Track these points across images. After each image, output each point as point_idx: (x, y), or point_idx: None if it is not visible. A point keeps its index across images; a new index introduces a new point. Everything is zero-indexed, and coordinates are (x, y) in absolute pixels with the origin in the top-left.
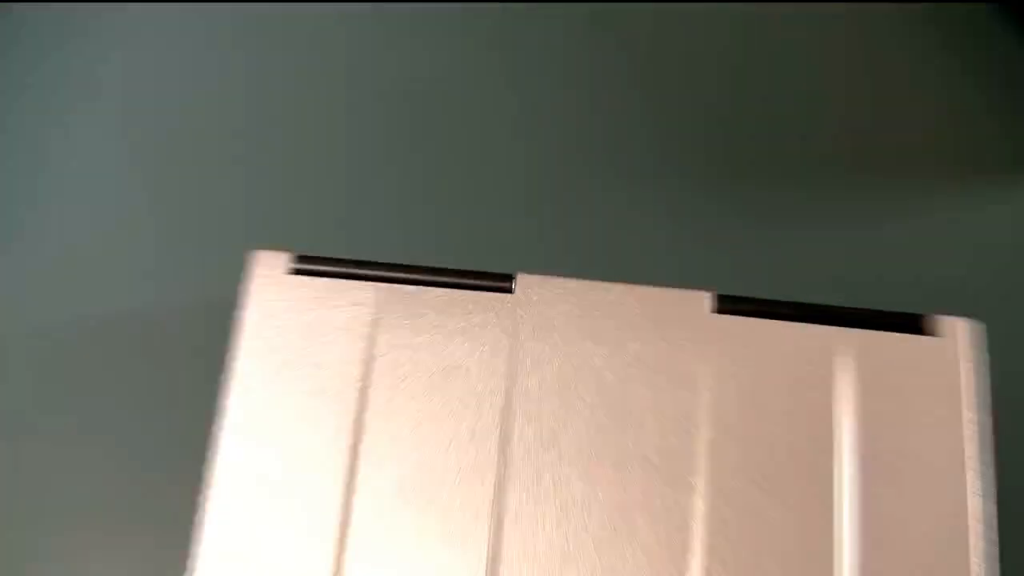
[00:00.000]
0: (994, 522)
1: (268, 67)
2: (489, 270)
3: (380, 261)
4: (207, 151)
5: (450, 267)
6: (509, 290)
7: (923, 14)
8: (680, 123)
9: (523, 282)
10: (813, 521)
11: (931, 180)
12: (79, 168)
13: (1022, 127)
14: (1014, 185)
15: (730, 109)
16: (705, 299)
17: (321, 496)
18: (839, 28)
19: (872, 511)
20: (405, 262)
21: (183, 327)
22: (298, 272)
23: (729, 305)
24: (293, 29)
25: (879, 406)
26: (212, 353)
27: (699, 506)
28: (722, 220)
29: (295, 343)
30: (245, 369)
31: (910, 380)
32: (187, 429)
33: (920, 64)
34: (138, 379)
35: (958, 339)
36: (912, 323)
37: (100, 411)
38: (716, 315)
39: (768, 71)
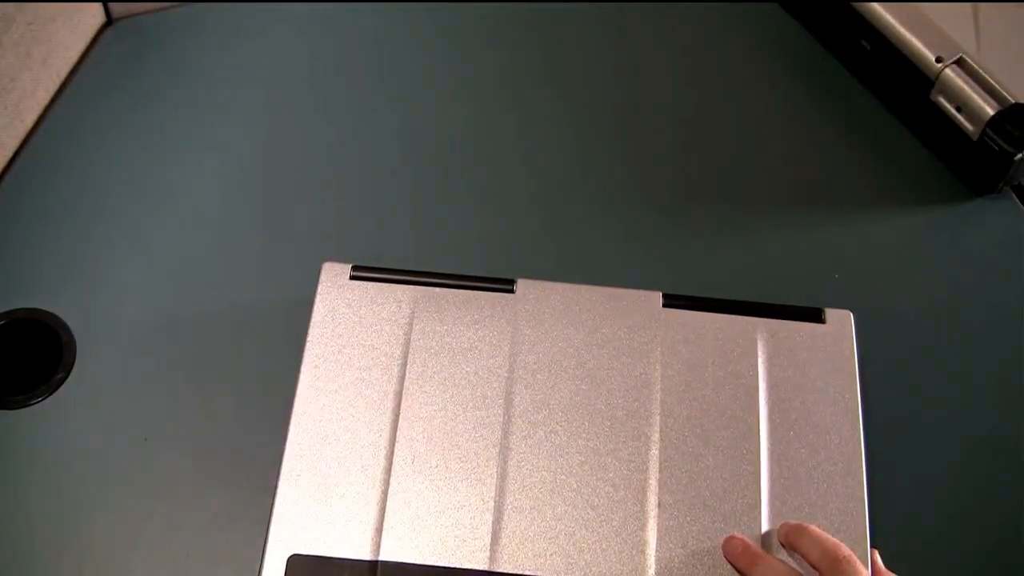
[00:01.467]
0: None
1: (332, 126)
2: (497, 276)
3: (415, 270)
4: (288, 192)
5: (467, 274)
6: (511, 291)
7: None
8: (640, 170)
9: (522, 285)
10: (738, 462)
11: (817, 207)
12: (196, 200)
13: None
14: (872, 212)
15: (679, 160)
16: (657, 297)
17: (370, 444)
18: (757, 104)
19: (781, 453)
20: (434, 271)
21: (271, 317)
22: (355, 278)
23: (674, 301)
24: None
25: (786, 375)
26: (292, 337)
27: (653, 452)
28: (669, 240)
29: (353, 330)
30: (316, 350)
31: (808, 355)
32: (273, 391)
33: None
34: (236, 355)
35: (841, 326)
36: (809, 314)
37: (210, 375)
38: (665, 309)
39: (707, 133)
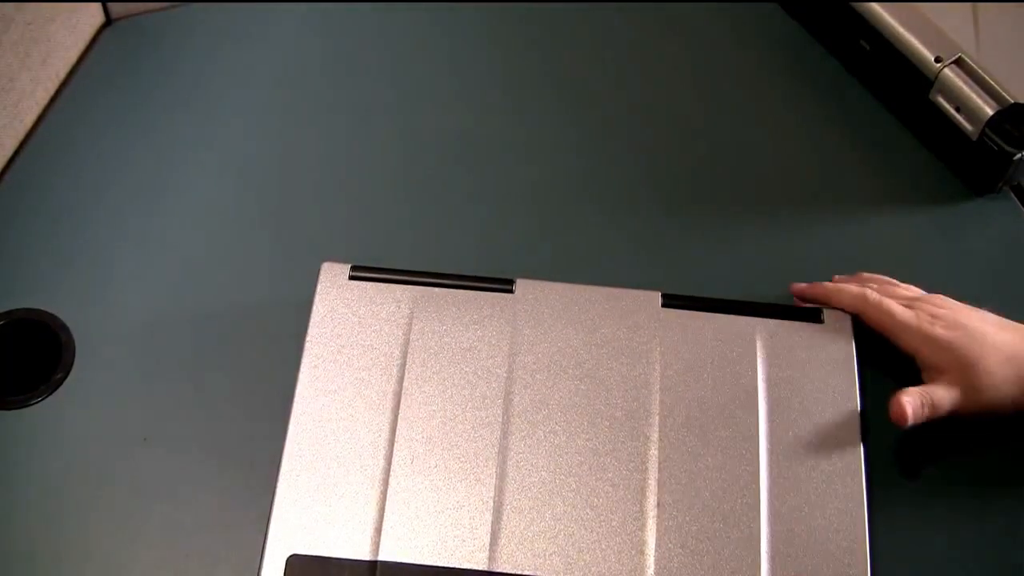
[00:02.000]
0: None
1: (332, 126)
2: (496, 276)
3: (415, 270)
4: (287, 192)
5: (467, 274)
6: (511, 291)
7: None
8: (640, 170)
9: (521, 285)
10: (737, 462)
11: (817, 207)
12: (196, 200)
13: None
14: (871, 212)
15: (679, 160)
16: (656, 297)
17: (370, 444)
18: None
19: (780, 453)
20: (434, 271)
21: (271, 317)
22: (355, 278)
23: (674, 301)
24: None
25: (785, 375)
26: (292, 337)
27: (652, 452)
28: (669, 240)
29: (352, 330)
30: (315, 349)
31: (807, 356)
32: (273, 391)
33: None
34: (236, 355)
35: (839, 326)
36: (808, 314)
37: (209, 375)
38: (664, 309)
39: (707, 133)
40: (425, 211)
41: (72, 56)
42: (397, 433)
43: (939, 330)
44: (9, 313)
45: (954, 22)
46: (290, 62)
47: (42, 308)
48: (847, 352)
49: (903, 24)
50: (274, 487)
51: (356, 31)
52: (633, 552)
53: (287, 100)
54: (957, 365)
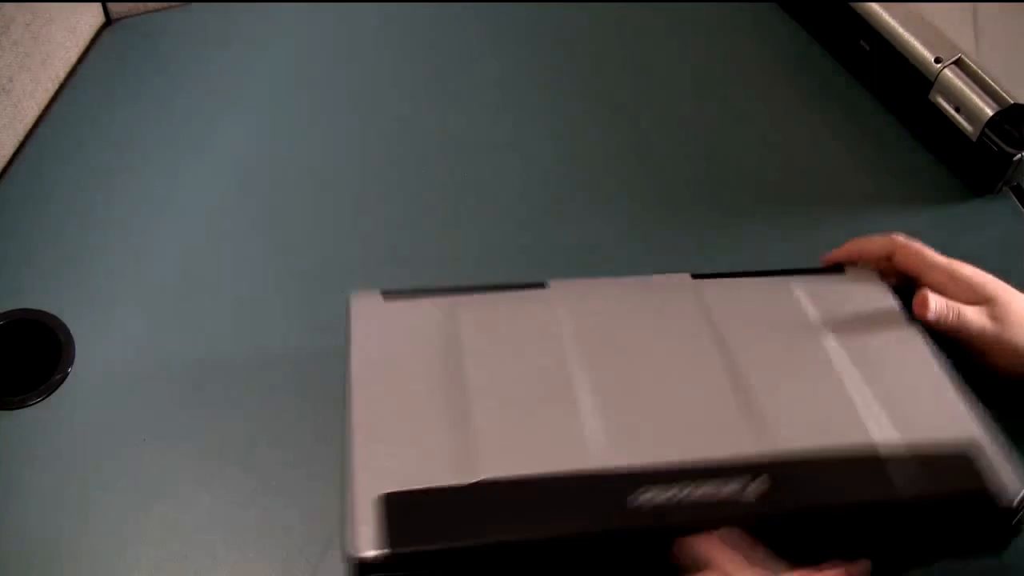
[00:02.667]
0: None
1: (332, 125)
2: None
3: (441, 287)
4: (288, 191)
5: (491, 283)
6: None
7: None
8: (639, 170)
9: (554, 285)
10: (822, 385)
11: (817, 207)
12: (195, 200)
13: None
14: (871, 212)
15: (678, 161)
16: (686, 277)
17: (442, 401)
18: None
19: (858, 376)
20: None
21: (270, 316)
22: (388, 298)
23: (703, 277)
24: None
25: (832, 311)
26: (291, 334)
27: (723, 381)
28: (668, 240)
29: (398, 347)
30: (362, 375)
31: (843, 297)
32: (272, 390)
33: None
34: (235, 355)
35: (863, 274)
36: (834, 269)
37: (208, 375)
38: (697, 280)
39: (706, 133)
40: (426, 211)
41: (72, 56)
42: (470, 398)
43: (967, 270)
44: (9, 313)
45: (954, 22)
46: (290, 62)
47: (42, 308)
48: (880, 287)
49: (903, 24)
50: (348, 437)
51: (357, 31)
52: (738, 406)
53: (287, 100)
54: (984, 300)
